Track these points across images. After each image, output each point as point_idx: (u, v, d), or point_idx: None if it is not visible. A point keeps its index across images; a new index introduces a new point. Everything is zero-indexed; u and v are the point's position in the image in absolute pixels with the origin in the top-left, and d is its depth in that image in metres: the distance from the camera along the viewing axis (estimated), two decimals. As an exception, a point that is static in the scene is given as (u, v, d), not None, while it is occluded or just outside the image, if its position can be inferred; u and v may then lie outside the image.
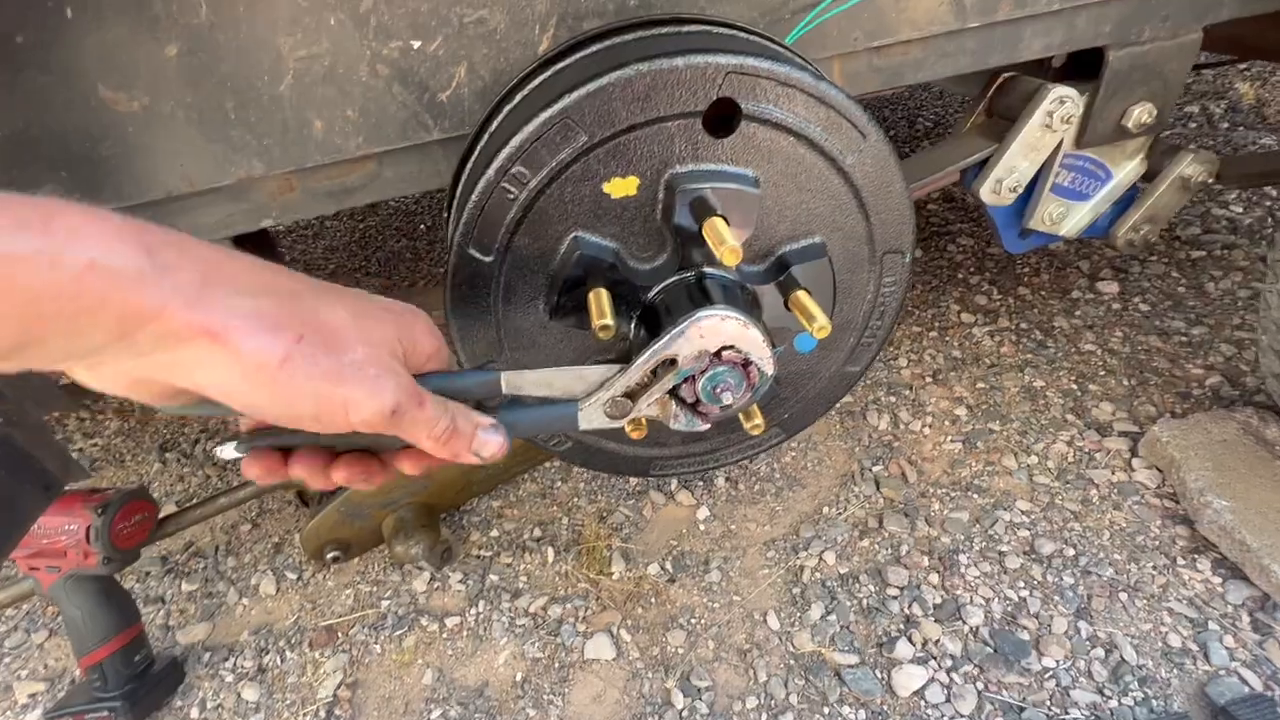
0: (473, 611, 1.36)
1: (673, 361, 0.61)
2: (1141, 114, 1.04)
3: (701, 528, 1.44)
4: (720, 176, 0.65)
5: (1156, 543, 1.25)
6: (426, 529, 1.41)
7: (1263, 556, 1.10)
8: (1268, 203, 2.11)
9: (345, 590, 1.45)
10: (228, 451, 0.53)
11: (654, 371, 0.61)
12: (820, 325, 0.66)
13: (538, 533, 1.50)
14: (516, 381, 0.59)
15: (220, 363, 0.37)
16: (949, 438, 1.54)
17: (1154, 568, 1.21)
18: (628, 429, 0.69)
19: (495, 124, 0.72)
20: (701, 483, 1.53)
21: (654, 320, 0.69)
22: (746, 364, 0.62)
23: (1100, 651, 1.11)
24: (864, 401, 1.67)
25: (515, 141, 0.61)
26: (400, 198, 3.24)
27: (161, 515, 1.31)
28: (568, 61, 0.70)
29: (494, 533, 1.52)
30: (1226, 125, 2.61)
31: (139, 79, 0.77)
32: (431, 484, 1.46)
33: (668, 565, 1.37)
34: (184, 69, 0.77)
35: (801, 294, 0.70)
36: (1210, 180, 1.13)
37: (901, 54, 0.94)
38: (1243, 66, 2.95)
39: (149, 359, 0.36)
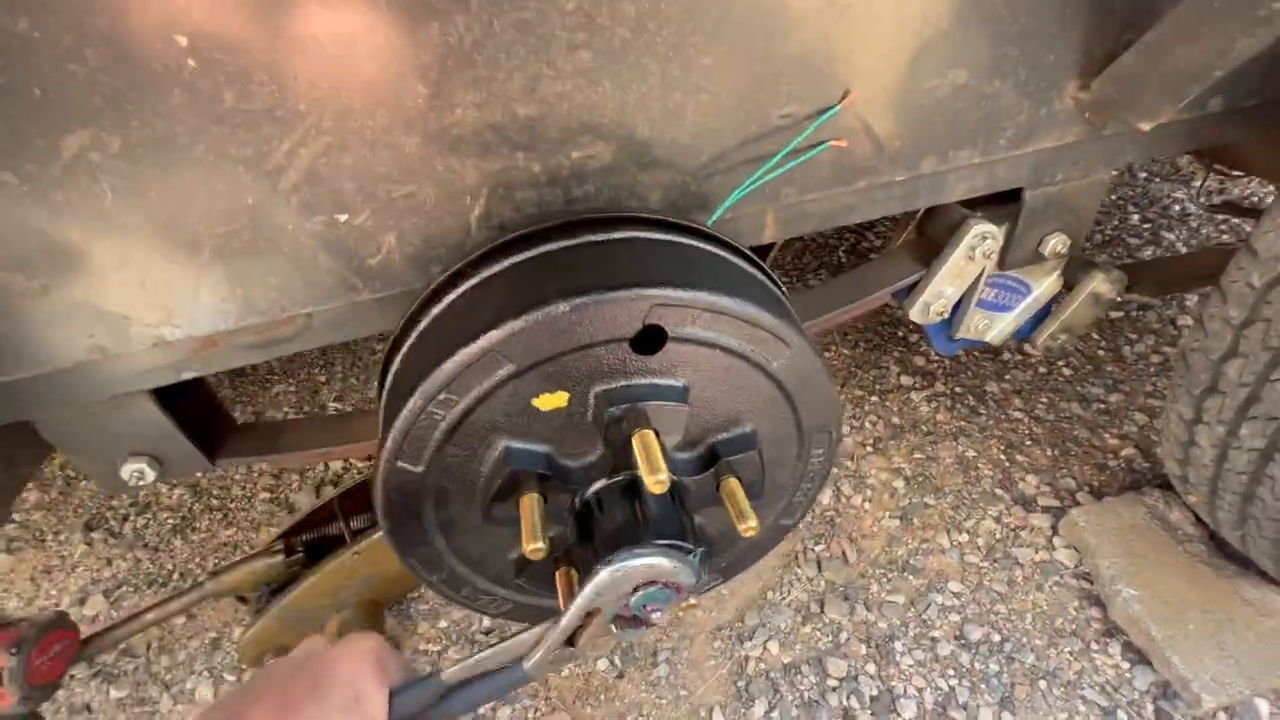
0: (420, 715, 1.35)
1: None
2: (1056, 244, 1.10)
3: (650, 615, 1.46)
4: (649, 391, 0.66)
5: (1074, 626, 1.33)
6: (372, 629, 1.39)
7: (1165, 648, 1.19)
8: (1179, 260, 2.25)
9: (287, 694, 1.41)
10: None
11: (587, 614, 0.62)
12: (748, 526, 0.68)
13: (488, 623, 1.49)
14: (459, 673, 0.60)
15: None
16: (888, 513, 1.60)
17: (1070, 653, 1.29)
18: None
19: (423, 324, 0.71)
20: (650, 565, 1.55)
21: (588, 519, 0.70)
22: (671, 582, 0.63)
23: (1021, 743, 1.18)
24: (808, 474, 1.71)
25: (439, 374, 0.61)
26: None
27: (84, 635, 1.25)
28: (494, 269, 0.69)
29: (443, 623, 1.51)
30: (1145, 175, 2.77)
31: (38, 262, 0.72)
32: (377, 582, 1.43)
33: (616, 659, 1.39)
34: (88, 251, 0.73)
35: (733, 484, 0.72)
36: (1119, 298, 1.20)
37: (833, 202, 0.96)
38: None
39: None
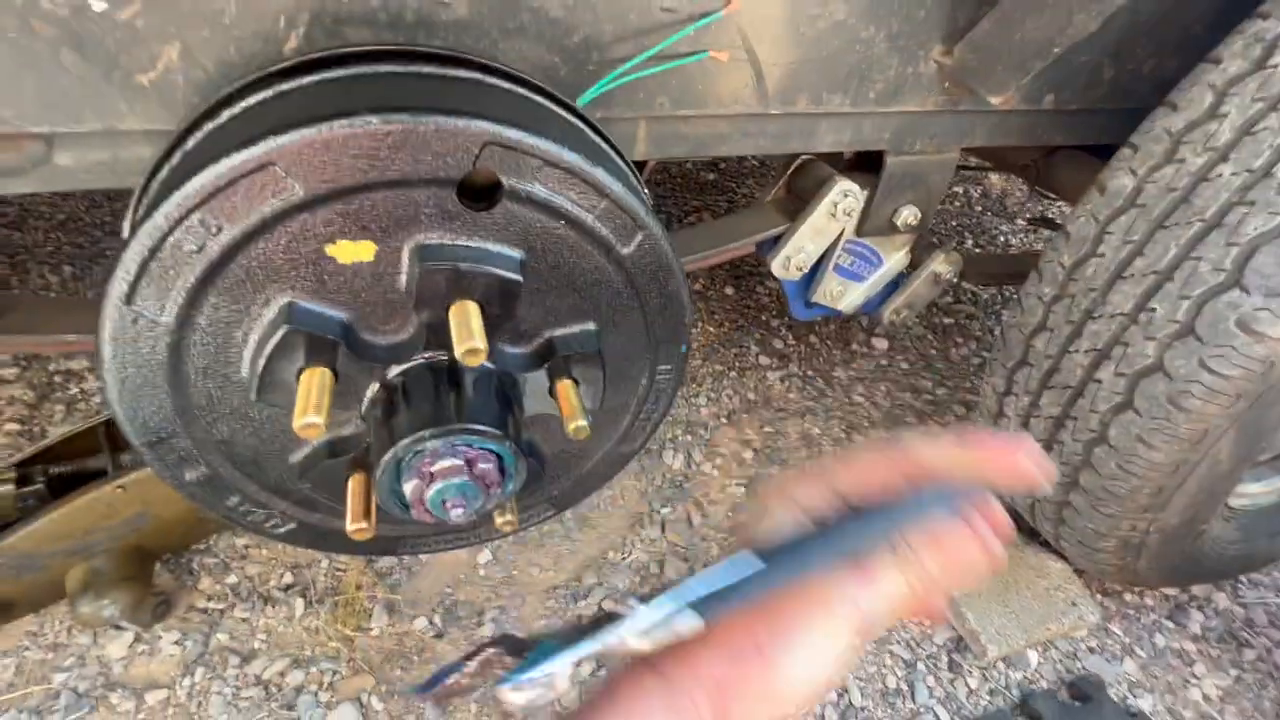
0: (186, 682, 1.13)
1: None
2: (908, 215, 1.15)
3: (482, 573, 1.35)
4: (478, 255, 0.57)
5: (889, 588, 1.41)
6: (130, 581, 1.15)
7: (961, 604, 1.30)
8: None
9: (3, 661, 1.13)
10: None
11: None
12: (578, 426, 0.61)
13: (289, 579, 1.30)
14: None
15: None
16: (734, 480, 1.62)
17: (884, 612, 1.37)
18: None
19: (193, 140, 0.56)
20: (488, 522, 1.44)
21: (390, 406, 0.59)
22: (471, 464, 0.54)
23: (834, 695, 1.22)
24: (662, 439, 1.69)
25: (196, 183, 0.47)
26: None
27: None
28: (298, 82, 0.56)
29: (231, 579, 1.29)
30: (980, 209, 3.11)
31: None
32: (147, 525, 1.19)
33: (437, 618, 1.26)
34: None
35: (566, 385, 0.64)
36: (955, 278, 1.29)
37: (707, 126, 0.93)
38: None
39: None
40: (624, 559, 1.41)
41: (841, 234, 1.16)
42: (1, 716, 1.06)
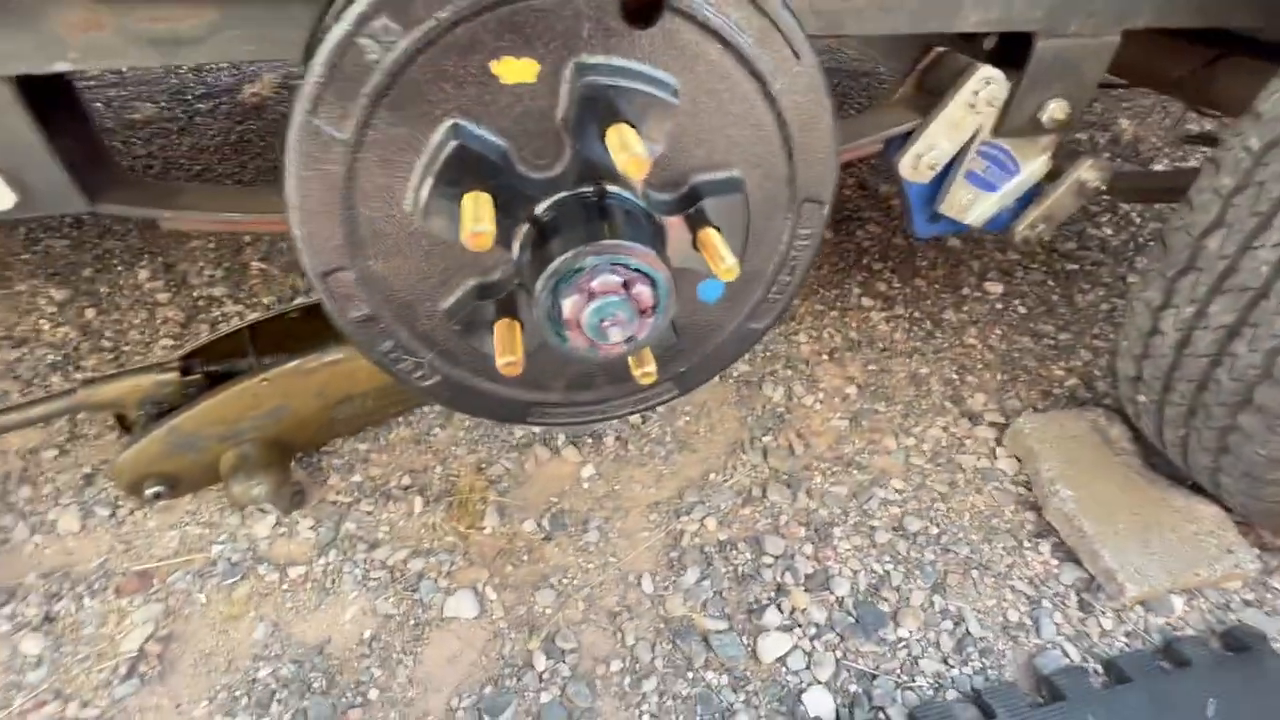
0: (321, 561, 1.23)
1: None
2: (1056, 110, 1.06)
3: (585, 486, 1.38)
4: (634, 76, 0.56)
5: (1008, 526, 1.33)
6: (274, 467, 1.25)
7: (1094, 543, 1.20)
8: (1132, 228, 2.31)
9: (170, 532, 1.26)
10: None
11: None
12: (728, 266, 0.60)
13: (406, 481, 1.38)
14: None
15: None
16: (838, 414, 1.57)
17: (1004, 549, 1.29)
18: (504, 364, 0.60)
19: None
20: (590, 440, 1.46)
21: (542, 240, 0.60)
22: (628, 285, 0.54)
23: (949, 624, 1.17)
24: (762, 372, 1.66)
25: (381, -16, 0.49)
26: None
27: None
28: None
29: (356, 477, 1.38)
30: (1108, 155, 2.83)
31: None
32: (286, 419, 1.29)
33: (545, 522, 1.30)
34: None
35: (711, 231, 0.63)
36: (1103, 188, 1.18)
37: (842, 1, 0.87)
38: (1126, 105, 3.22)
39: None
40: (725, 481, 1.40)
41: (978, 133, 1.08)
42: (170, 575, 1.18)
